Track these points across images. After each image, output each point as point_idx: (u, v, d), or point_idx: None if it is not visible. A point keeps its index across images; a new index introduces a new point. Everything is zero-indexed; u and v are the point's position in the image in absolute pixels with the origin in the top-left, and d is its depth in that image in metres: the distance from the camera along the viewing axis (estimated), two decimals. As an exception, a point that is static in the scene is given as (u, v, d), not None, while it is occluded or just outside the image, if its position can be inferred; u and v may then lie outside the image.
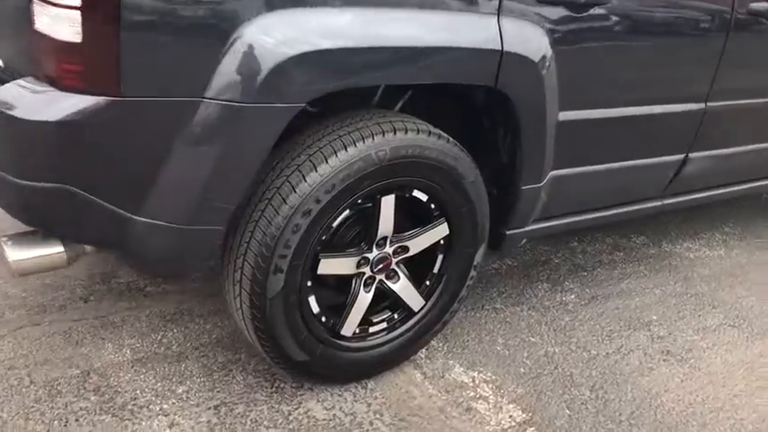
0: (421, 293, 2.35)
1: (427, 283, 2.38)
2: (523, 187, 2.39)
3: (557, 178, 2.47)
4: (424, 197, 2.20)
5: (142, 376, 2.26)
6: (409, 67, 1.96)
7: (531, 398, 2.35)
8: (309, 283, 2.10)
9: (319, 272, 2.08)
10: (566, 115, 2.34)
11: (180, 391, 2.21)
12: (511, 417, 2.26)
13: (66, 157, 1.66)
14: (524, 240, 2.63)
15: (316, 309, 2.16)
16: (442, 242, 2.33)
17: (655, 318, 2.90)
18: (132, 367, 2.29)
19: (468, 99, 2.36)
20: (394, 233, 2.21)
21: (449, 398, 2.31)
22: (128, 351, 2.37)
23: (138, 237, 1.81)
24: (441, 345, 2.58)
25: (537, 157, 2.34)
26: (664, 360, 2.63)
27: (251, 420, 2.13)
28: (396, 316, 2.36)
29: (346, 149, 1.96)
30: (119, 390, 2.19)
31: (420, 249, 2.29)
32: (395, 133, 2.02)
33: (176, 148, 1.72)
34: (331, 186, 1.95)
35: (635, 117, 2.52)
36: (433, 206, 2.24)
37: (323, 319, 2.20)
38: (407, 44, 1.91)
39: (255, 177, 1.88)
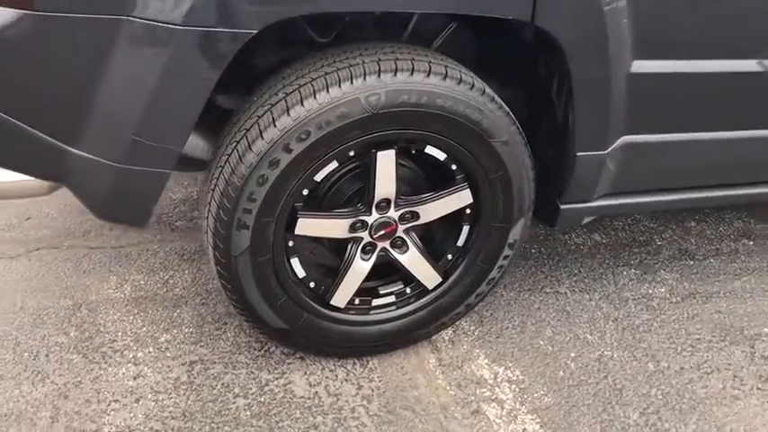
0: (439, 269, 1.98)
1: (449, 257, 2.00)
2: (579, 153, 1.90)
3: (632, 146, 1.94)
4: (440, 155, 1.81)
5: (131, 318, 2.12)
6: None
7: (559, 411, 1.93)
8: (291, 244, 1.81)
9: (297, 232, 1.78)
10: (642, 66, 1.80)
11: (162, 339, 2.05)
12: (524, 431, 1.86)
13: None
14: (588, 219, 2.13)
15: (301, 273, 1.87)
16: (468, 211, 1.93)
17: (766, 331, 2.29)
18: (125, 306, 2.16)
19: (520, 38, 1.89)
20: (402, 195, 1.85)
21: (458, 394, 1.95)
22: (128, 288, 2.24)
23: (77, 173, 1.62)
24: (472, 328, 2.20)
25: (595, 116, 1.84)
26: (758, 389, 2.06)
27: (222, 384, 1.92)
28: (408, 290, 2.01)
29: (328, 90, 1.62)
30: (101, 329, 2.07)
31: (433, 218, 1.91)
32: (395, 74, 1.64)
33: (103, 73, 1.48)
34: (305, 134, 1.62)
35: (748, 74, 1.90)
36: (454, 167, 1.84)
37: (311, 285, 1.91)
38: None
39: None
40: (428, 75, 1.67)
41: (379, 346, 2.03)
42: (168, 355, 2.00)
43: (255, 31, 1.47)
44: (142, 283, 2.27)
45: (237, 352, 2.03)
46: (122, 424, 1.78)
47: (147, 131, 1.54)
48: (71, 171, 1.62)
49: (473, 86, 1.72)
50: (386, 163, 1.76)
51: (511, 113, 1.80)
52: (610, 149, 1.91)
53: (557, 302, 2.34)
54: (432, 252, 2.00)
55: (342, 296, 1.91)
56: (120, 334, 2.05)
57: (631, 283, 2.47)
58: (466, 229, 1.96)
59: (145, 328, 2.08)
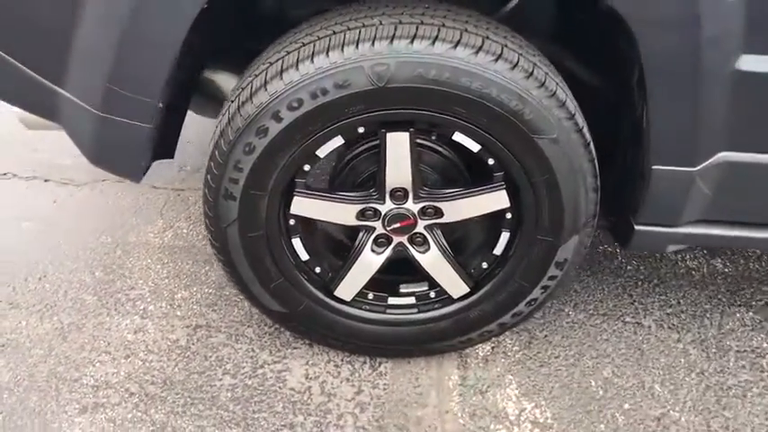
0: (467, 277, 1.67)
1: (483, 265, 1.69)
2: (656, 167, 1.48)
3: (734, 166, 1.48)
4: (474, 146, 1.49)
5: (159, 267, 2.05)
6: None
7: (581, 477, 1.58)
8: (293, 222, 1.61)
9: (293, 211, 1.56)
10: (756, 62, 1.33)
11: (179, 296, 1.96)
12: (527, 490, 1.54)
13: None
14: (675, 247, 1.69)
15: (304, 255, 1.67)
16: (509, 216, 1.60)
17: None
18: (159, 253, 2.09)
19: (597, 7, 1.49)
20: (425, 186, 1.57)
21: (467, 425, 1.66)
22: (169, 234, 2.17)
23: (67, 116, 1.52)
24: (515, 348, 1.87)
25: (678, 123, 1.40)
26: None
27: (217, 357, 1.79)
28: (432, 294, 1.73)
29: (327, 53, 1.36)
30: (125, 274, 2.02)
31: (461, 218, 1.60)
32: (412, 41, 1.34)
33: (81, 12, 1.34)
34: (297, 102, 1.39)
35: None
36: (491, 162, 1.51)
37: (316, 269, 1.70)
38: None
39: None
40: (455, 46, 1.35)
41: (392, 349, 1.78)
42: (178, 313, 1.90)
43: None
44: (185, 231, 2.18)
45: (247, 324, 1.88)
46: (101, 378, 1.72)
47: (120, 79, 1.39)
48: (62, 113, 1.53)
49: (515, 65, 1.37)
50: (398, 146, 1.48)
51: (570, 104, 1.43)
52: (701, 167, 1.47)
53: (633, 336, 1.93)
54: (462, 256, 1.70)
55: (347, 288, 1.68)
56: (140, 282, 1.99)
57: (742, 330, 1.98)
58: (505, 236, 1.63)
59: (167, 281, 2.00)
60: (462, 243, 1.72)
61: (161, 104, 1.42)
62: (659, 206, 1.56)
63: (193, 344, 1.82)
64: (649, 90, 1.36)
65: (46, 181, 2.35)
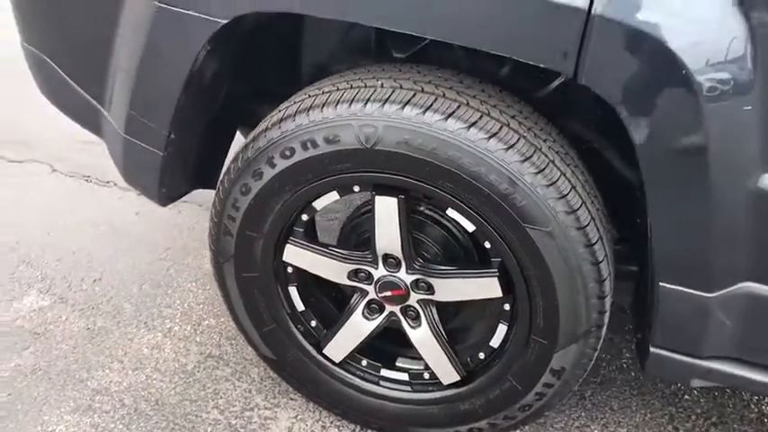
0: (461, 364, 1.55)
1: (480, 355, 1.56)
2: (663, 285, 1.29)
3: (761, 300, 1.25)
4: (469, 225, 1.39)
5: (200, 291, 2.13)
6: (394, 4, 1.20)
7: None
8: (290, 270, 1.60)
9: (285, 259, 1.55)
10: None
11: (205, 323, 2.01)
12: None
13: (22, 17, 1.59)
14: (701, 383, 1.45)
15: (300, 306, 1.64)
16: (506, 307, 1.47)
17: None
18: (203, 279, 2.17)
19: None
20: (420, 257, 1.49)
21: None
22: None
23: (106, 133, 1.64)
24: (517, 455, 1.70)
25: (684, 239, 1.21)
26: None
27: (214, 390, 1.81)
28: (426, 375, 1.63)
29: (322, 108, 1.36)
30: (168, 291, 2.11)
31: (452, 299, 1.50)
32: (403, 107, 1.30)
33: (116, 34, 1.45)
34: (290, 151, 1.39)
35: None
36: (488, 245, 1.41)
37: (312, 323, 1.66)
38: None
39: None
40: (447, 117, 1.28)
41: (378, 424, 1.69)
42: (197, 339, 1.95)
43: (225, 21, 1.29)
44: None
45: (255, 364, 1.88)
46: (104, 384, 1.80)
47: (137, 104, 1.47)
48: (103, 130, 1.65)
49: (511, 147, 1.27)
50: (387, 212, 1.42)
51: (574, 197, 1.29)
52: (718, 294, 1.26)
53: (661, 476, 1.67)
54: (460, 342, 1.59)
55: (336, 349, 1.63)
56: (177, 302, 2.07)
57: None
58: (502, 328, 1.50)
59: (201, 306, 2.07)
60: (462, 327, 1.61)
61: (171, 135, 1.49)
62: (673, 330, 1.35)
63: (199, 371, 1.86)
64: (649, 201, 1.20)
65: (139, 195, 2.54)
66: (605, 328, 1.42)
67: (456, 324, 1.62)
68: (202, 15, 1.29)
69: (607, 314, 1.40)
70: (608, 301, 1.39)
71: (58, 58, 1.62)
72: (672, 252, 1.25)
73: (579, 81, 1.14)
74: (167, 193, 1.66)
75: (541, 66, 1.16)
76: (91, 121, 1.67)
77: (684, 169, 1.16)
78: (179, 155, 1.56)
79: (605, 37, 1.08)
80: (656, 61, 1.08)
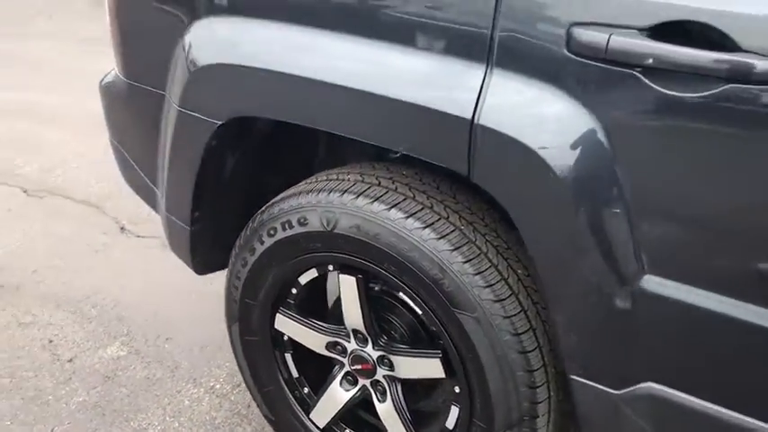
0: (420, 442, 1.65)
1: (440, 436, 1.65)
2: (573, 377, 1.33)
3: (662, 402, 1.25)
4: (416, 307, 1.54)
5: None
6: (329, 111, 1.42)
7: None
8: (286, 338, 1.80)
9: (276, 327, 1.76)
10: (659, 285, 1.17)
11: (243, 386, 2.22)
12: None
13: (108, 118, 2.00)
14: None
15: (294, 373, 1.83)
16: (457, 390, 1.56)
17: None
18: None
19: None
20: (384, 335, 1.64)
21: None
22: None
23: (159, 209, 1.98)
24: None
25: (582, 335, 1.26)
26: None
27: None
28: (399, 450, 1.73)
29: (299, 196, 1.60)
30: (223, 352, 2.38)
31: (407, 376, 1.62)
32: (357, 197, 1.50)
33: (160, 132, 1.80)
34: (273, 230, 1.63)
35: None
36: (434, 329, 1.53)
37: (305, 389, 1.84)
38: (322, 79, 1.38)
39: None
40: (391, 208, 1.46)
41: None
42: (232, 398, 2.20)
43: (219, 122, 1.58)
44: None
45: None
46: (143, 426, 2.09)
47: (170, 186, 1.80)
48: (158, 207, 2.00)
49: (443, 236, 1.42)
50: (348, 289, 1.60)
51: (501, 287, 1.40)
52: (623, 392, 1.28)
53: None
54: (428, 422, 1.68)
55: (320, 415, 1.79)
56: (228, 364, 2.33)
57: None
58: (455, 410, 1.59)
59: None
60: (430, 407, 1.71)
61: (196, 213, 1.79)
62: (592, 424, 1.37)
63: (224, 426, 2.09)
64: (545, 290, 1.28)
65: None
66: (545, 417, 1.47)
67: (425, 404, 1.73)
68: (204, 117, 1.60)
69: (542, 404, 1.45)
70: (541, 391, 1.44)
71: (129, 150, 2.02)
72: (575, 348, 1.31)
73: (473, 180, 1.28)
74: (202, 263, 1.95)
75: (444, 166, 1.32)
76: (151, 200, 2.03)
77: (568, 269, 1.24)
78: (207, 230, 1.86)
79: (486, 143, 1.23)
80: (529, 165, 1.20)
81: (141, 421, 2.11)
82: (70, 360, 2.35)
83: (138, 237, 3.11)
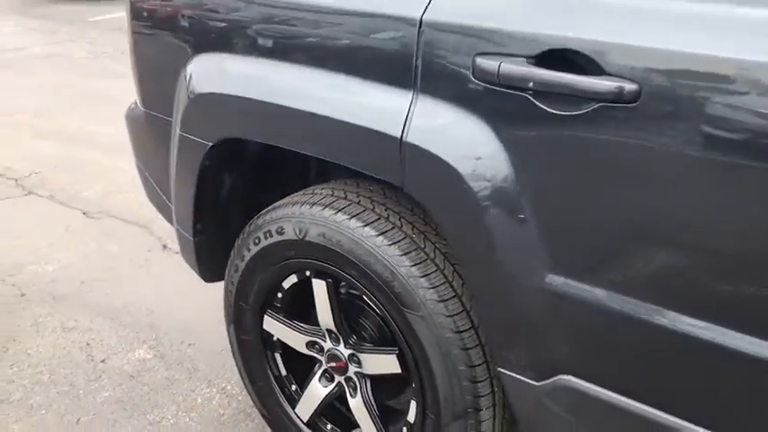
0: (386, 435, 1.80)
1: (404, 430, 1.79)
2: (501, 369, 1.47)
3: (576, 394, 1.37)
4: (376, 308, 1.71)
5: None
6: (293, 131, 1.62)
7: None
8: (275, 338, 2.00)
9: (264, 327, 1.96)
10: (563, 284, 1.30)
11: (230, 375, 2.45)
12: None
13: (133, 144, 2.27)
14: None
15: (283, 371, 2.02)
16: (414, 385, 1.71)
17: None
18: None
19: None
20: (354, 335, 1.81)
21: None
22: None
23: (173, 223, 2.22)
24: None
25: (501, 329, 1.40)
26: None
27: (233, 437, 2.23)
28: (373, 443, 1.89)
29: (277, 210, 1.80)
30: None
31: (372, 372, 1.78)
32: (324, 209, 1.70)
33: (166, 157, 2.05)
34: (257, 239, 1.84)
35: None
36: (391, 327, 1.70)
37: (292, 386, 2.02)
38: (286, 104, 1.59)
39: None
40: (351, 218, 1.65)
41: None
42: (240, 398, 2.40)
43: (210, 143, 1.81)
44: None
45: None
46: (158, 419, 2.31)
47: (177, 201, 2.04)
48: (173, 222, 2.24)
49: (395, 243, 1.59)
50: (320, 292, 1.78)
51: (444, 289, 1.56)
52: (543, 384, 1.41)
53: None
54: (393, 414, 1.83)
55: (303, 408, 1.97)
56: (197, 360, 2.54)
57: None
58: (414, 404, 1.73)
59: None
60: (396, 404, 1.86)
61: (198, 225, 2.02)
62: (525, 418, 1.50)
63: (230, 422, 2.29)
64: (469, 287, 1.43)
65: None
66: (490, 411, 1.60)
67: (395, 402, 1.88)
68: (198, 139, 1.84)
69: (484, 398, 1.59)
70: (483, 385, 1.58)
71: (150, 172, 2.28)
72: (499, 343, 1.45)
73: (405, 191, 1.46)
74: (208, 271, 2.17)
75: (383, 179, 1.50)
76: (168, 216, 2.27)
77: (484, 269, 1.39)
78: (209, 241, 2.08)
79: (413, 158, 1.40)
80: (447, 177, 1.36)
81: (156, 415, 2.34)
82: (103, 361, 2.62)
83: (177, 253, 3.38)
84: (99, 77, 6.51)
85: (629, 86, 1.13)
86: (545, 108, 1.22)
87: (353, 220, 1.64)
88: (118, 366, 2.59)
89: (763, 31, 1.07)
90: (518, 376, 1.45)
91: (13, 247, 3.47)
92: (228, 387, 2.47)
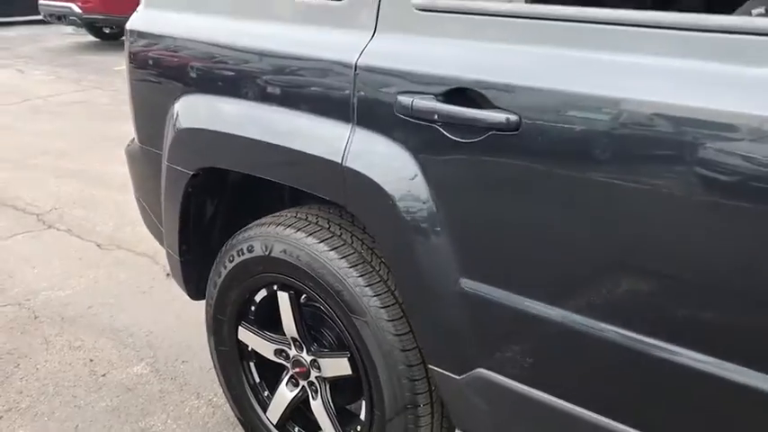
0: (341, 434, 2.01)
1: (358, 428, 1.99)
2: (430, 366, 1.67)
3: (490, 385, 1.57)
4: (330, 316, 1.93)
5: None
6: (258, 160, 1.88)
7: None
8: (250, 348, 2.21)
9: (239, 338, 2.18)
10: (473, 287, 1.52)
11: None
12: None
13: (131, 177, 2.55)
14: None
15: (256, 378, 2.24)
16: (364, 386, 1.92)
17: None
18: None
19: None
20: (315, 342, 2.03)
21: None
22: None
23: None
24: None
25: (427, 329, 1.62)
26: None
27: (214, 442, 2.43)
28: (337, 443, 2.09)
29: (248, 230, 2.04)
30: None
31: (330, 375, 1.99)
32: (286, 229, 1.94)
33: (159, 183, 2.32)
34: (232, 257, 2.08)
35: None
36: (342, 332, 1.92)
37: (265, 393, 2.23)
38: (251, 136, 1.85)
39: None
40: (309, 236, 1.88)
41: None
42: (224, 408, 2.60)
43: (192, 172, 2.07)
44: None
45: (252, 432, 2.47)
46: (148, 426, 2.53)
47: (165, 225, 2.29)
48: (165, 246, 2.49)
49: (344, 257, 1.82)
50: (284, 303, 2.00)
51: (387, 296, 1.77)
52: (463, 377, 1.61)
53: None
54: (348, 415, 2.04)
55: (273, 411, 2.17)
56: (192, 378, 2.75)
57: None
58: (364, 403, 1.94)
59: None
60: (354, 407, 2.06)
61: (183, 246, 2.27)
62: (448, 407, 1.70)
63: (214, 430, 2.50)
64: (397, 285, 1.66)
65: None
66: (428, 407, 1.80)
67: (354, 406, 2.08)
68: (181, 169, 2.10)
69: (422, 395, 1.79)
70: (420, 383, 1.78)
71: (146, 202, 2.54)
72: (426, 340, 1.66)
73: (348, 209, 1.69)
74: (194, 290, 2.41)
75: (328, 199, 1.74)
76: (161, 240, 2.53)
77: (411, 277, 1.62)
78: (194, 261, 2.33)
79: (352, 180, 1.64)
80: (377, 196, 1.60)
81: (147, 422, 2.56)
82: (103, 375, 2.86)
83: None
84: (120, 122, 6.85)
85: (512, 117, 1.36)
86: (451, 137, 1.46)
87: (310, 238, 1.88)
88: (117, 380, 2.82)
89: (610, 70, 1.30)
90: (443, 371, 1.66)
91: (31, 275, 3.76)
92: (215, 399, 2.68)
